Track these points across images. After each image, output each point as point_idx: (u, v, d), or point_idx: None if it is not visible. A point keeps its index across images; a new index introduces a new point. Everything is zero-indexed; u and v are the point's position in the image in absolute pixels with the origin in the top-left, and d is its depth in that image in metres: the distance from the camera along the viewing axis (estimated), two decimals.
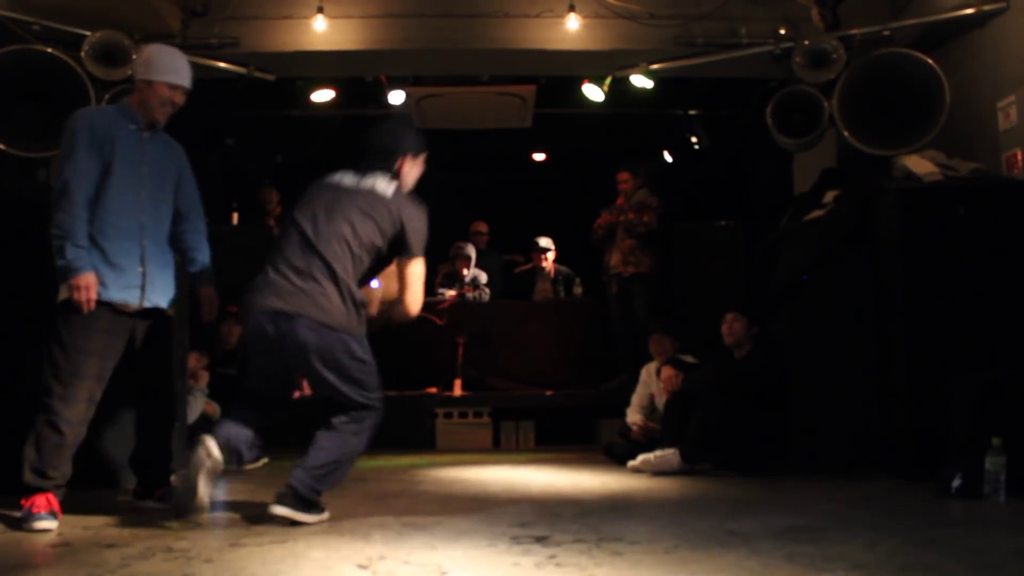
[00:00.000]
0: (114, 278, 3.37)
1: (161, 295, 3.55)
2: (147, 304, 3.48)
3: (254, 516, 3.40)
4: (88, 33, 5.17)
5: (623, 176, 7.05)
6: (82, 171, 3.32)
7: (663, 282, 7.01)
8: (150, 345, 3.58)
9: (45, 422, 3.31)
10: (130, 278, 3.42)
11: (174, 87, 3.52)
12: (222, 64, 5.82)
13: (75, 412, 3.34)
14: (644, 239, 6.83)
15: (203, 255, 3.76)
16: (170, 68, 3.53)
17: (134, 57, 5.04)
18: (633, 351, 6.49)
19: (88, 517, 3.41)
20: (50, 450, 3.31)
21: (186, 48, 5.66)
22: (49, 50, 4.98)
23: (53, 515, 3.22)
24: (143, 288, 3.46)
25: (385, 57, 6.09)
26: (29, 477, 3.28)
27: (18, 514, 3.24)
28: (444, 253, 8.11)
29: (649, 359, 5.71)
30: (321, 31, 5.75)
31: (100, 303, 3.34)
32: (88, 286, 3.27)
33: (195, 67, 5.72)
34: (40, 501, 3.24)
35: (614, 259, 6.99)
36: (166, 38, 5.57)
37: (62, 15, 5.16)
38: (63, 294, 3.34)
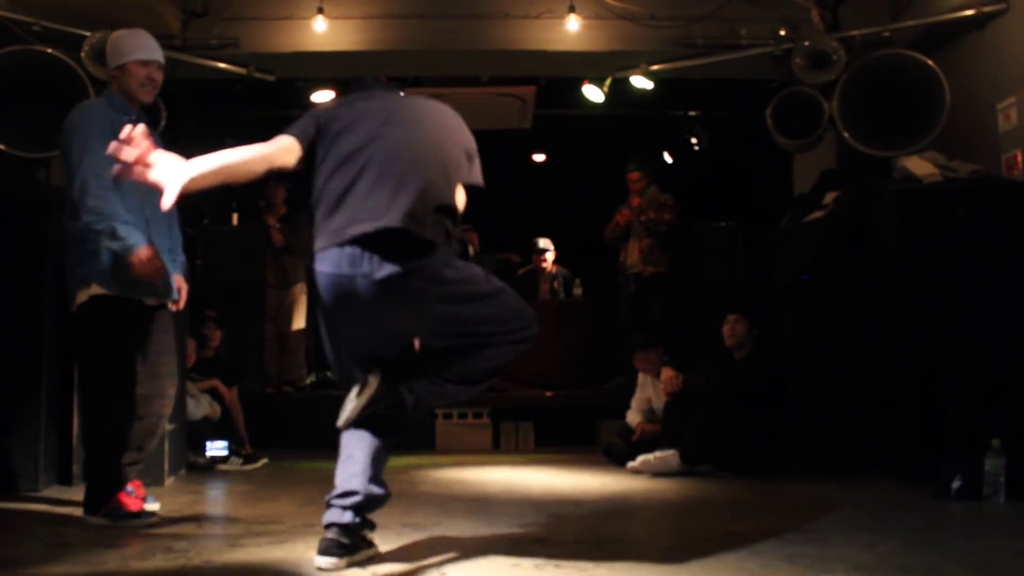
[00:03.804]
0: (132, 275, 3.25)
1: (170, 289, 3.47)
2: (168, 298, 3.44)
3: (253, 516, 3.41)
4: (88, 33, 5.17)
5: (634, 175, 7.02)
6: (100, 163, 3.13)
7: (678, 282, 6.96)
8: (170, 344, 3.49)
9: (110, 422, 3.28)
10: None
11: (146, 63, 3.45)
12: (222, 65, 5.81)
13: (132, 406, 3.33)
14: (663, 238, 6.80)
15: (175, 239, 3.60)
16: (137, 46, 3.48)
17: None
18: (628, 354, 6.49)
19: (87, 517, 3.41)
20: (123, 440, 3.29)
21: (186, 49, 5.67)
22: (49, 50, 4.97)
23: (149, 498, 3.30)
24: (163, 280, 3.37)
25: (385, 58, 6.08)
26: (112, 476, 3.25)
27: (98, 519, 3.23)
28: None
29: None
30: (321, 32, 5.75)
31: (127, 300, 3.29)
32: (150, 258, 3.19)
33: (195, 68, 5.80)
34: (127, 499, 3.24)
35: (632, 258, 6.94)
36: (166, 39, 5.57)
37: (62, 16, 5.16)
38: (83, 296, 3.29)
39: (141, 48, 3.48)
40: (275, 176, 2.70)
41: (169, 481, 4.44)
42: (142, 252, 3.18)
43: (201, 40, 5.72)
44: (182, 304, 3.63)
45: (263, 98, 6.94)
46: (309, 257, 2.53)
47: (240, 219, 7.57)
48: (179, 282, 3.59)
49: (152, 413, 3.48)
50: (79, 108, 3.49)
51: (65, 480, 4.24)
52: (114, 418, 3.31)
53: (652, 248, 6.82)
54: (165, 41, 5.56)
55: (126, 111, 3.43)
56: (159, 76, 3.52)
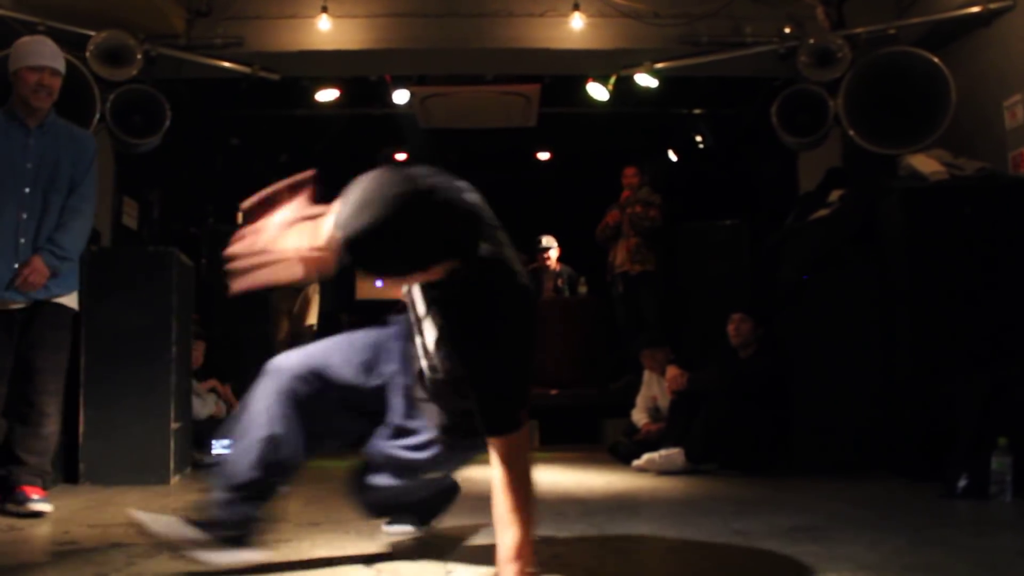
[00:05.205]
0: None
1: (44, 289, 3.48)
2: (31, 299, 3.46)
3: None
4: (93, 33, 5.18)
5: (630, 171, 7.12)
6: None
7: (668, 281, 7.03)
8: (42, 339, 3.53)
9: None
10: (4, 275, 3.40)
11: (37, 69, 3.50)
12: (226, 64, 5.82)
13: None
14: (649, 236, 6.87)
15: (60, 232, 3.52)
16: (28, 53, 3.54)
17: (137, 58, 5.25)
18: (635, 352, 6.51)
19: (94, 515, 3.43)
20: None
21: (190, 48, 5.68)
22: None
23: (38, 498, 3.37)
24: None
25: (389, 56, 6.09)
26: None
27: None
28: None
29: None
30: (325, 30, 5.75)
31: None
32: None
33: (199, 67, 5.81)
34: None
35: (619, 257, 7.01)
36: (170, 38, 5.59)
37: (67, 15, 5.17)
38: None
39: (33, 54, 3.54)
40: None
41: (175, 480, 4.45)
42: None
43: (206, 39, 5.73)
44: (20, 283, 3.44)
45: (268, 97, 6.95)
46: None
47: (245, 219, 7.57)
48: (32, 263, 3.44)
49: (36, 411, 3.53)
50: None
51: (72, 479, 4.25)
52: None
53: (639, 247, 6.89)
54: (170, 40, 5.60)
55: (16, 118, 3.52)
56: (53, 82, 3.55)
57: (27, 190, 3.47)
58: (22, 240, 3.44)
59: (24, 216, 3.46)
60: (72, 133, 3.70)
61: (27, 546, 2.85)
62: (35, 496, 3.39)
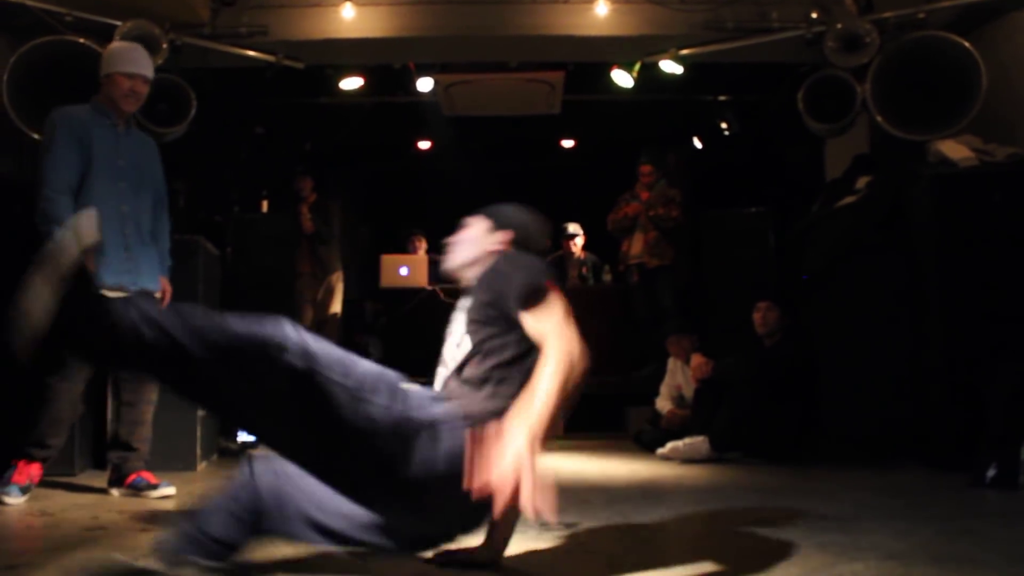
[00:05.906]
0: (103, 265, 3.50)
1: (149, 278, 3.72)
2: (137, 287, 3.63)
3: None
4: (119, 23, 5.21)
5: (646, 169, 7.08)
6: (60, 162, 3.53)
7: (686, 272, 7.00)
8: None
9: (45, 399, 3.55)
10: (118, 264, 3.58)
11: (131, 76, 3.69)
12: (251, 52, 5.83)
13: (71, 391, 3.60)
14: (668, 232, 6.86)
15: (163, 244, 3.87)
16: (124, 59, 3.73)
17: (163, 47, 5.26)
18: (661, 338, 6.50)
19: (122, 501, 3.47)
20: (48, 424, 3.55)
21: (215, 37, 5.70)
22: (81, 40, 5.02)
23: (24, 490, 3.48)
24: (132, 272, 3.63)
25: (413, 44, 6.08)
26: (28, 448, 3.54)
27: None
28: None
29: None
30: (349, 19, 5.75)
31: None
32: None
33: (225, 56, 5.82)
34: (24, 470, 3.50)
35: (636, 249, 6.98)
36: (195, 27, 5.61)
37: (93, 5, 5.20)
38: None
39: (129, 62, 3.73)
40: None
41: (201, 466, 4.49)
42: None
43: (230, 28, 5.74)
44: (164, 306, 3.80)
45: (292, 85, 6.96)
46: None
47: (270, 206, 7.63)
48: (163, 285, 3.81)
49: (139, 400, 3.77)
50: (55, 111, 3.70)
51: (100, 465, 4.30)
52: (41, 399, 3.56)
53: (658, 241, 6.88)
54: (195, 30, 5.62)
55: (108, 116, 3.70)
56: (143, 89, 3.75)
57: (122, 185, 3.66)
58: (127, 231, 3.64)
59: (125, 208, 3.65)
60: (143, 136, 3.94)
61: (57, 531, 2.89)
62: (157, 482, 3.67)
